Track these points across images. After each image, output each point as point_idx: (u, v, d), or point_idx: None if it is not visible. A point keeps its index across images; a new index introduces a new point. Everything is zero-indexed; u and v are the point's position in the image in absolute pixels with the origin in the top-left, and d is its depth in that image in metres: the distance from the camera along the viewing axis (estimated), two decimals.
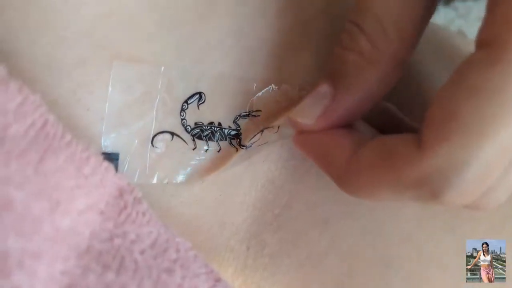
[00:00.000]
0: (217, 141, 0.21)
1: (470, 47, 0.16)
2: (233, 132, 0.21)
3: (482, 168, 0.14)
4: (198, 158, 0.20)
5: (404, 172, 0.15)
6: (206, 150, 0.21)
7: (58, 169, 0.16)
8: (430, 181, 0.15)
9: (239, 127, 0.21)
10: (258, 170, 0.22)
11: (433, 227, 0.23)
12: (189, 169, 0.20)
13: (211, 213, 0.21)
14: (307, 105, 0.19)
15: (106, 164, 0.17)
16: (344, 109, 0.18)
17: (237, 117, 0.21)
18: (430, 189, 0.15)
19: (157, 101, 0.19)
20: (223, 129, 0.21)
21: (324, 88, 0.18)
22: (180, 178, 0.20)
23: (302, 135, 0.19)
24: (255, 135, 0.21)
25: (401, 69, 0.18)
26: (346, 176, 0.18)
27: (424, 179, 0.15)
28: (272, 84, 0.21)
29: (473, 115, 0.14)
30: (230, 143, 0.21)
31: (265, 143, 0.21)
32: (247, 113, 0.21)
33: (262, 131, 0.21)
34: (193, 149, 0.20)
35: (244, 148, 0.21)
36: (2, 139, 0.15)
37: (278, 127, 0.21)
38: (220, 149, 0.21)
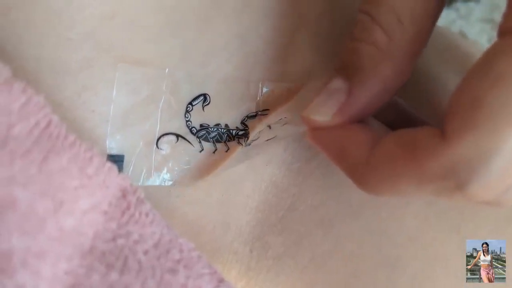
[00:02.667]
0: (224, 141, 0.21)
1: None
2: (240, 133, 0.21)
3: (510, 158, 0.14)
4: (203, 159, 0.20)
5: (428, 163, 0.15)
6: (214, 152, 0.21)
7: (62, 169, 0.16)
8: (456, 172, 0.15)
9: (246, 127, 0.21)
10: (261, 173, 0.22)
11: (438, 227, 0.23)
12: (194, 170, 0.20)
13: (214, 215, 0.21)
14: (321, 101, 0.18)
15: (109, 164, 0.17)
16: (361, 104, 0.17)
17: (244, 118, 0.21)
18: (456, 181, 0.15)
19: (161, 102, 0.19)
20: (230, 130, 0.21)
21: (338, 83, 0.18)
22: (185, 179, 0.20)
23: (318, 131, 0.19)
24: (258, 133, 0.21)
25: (415, 63, 0.17)
26: (365, 171, 0.17)
27: (450, 170, 0.15)
28: (278, 83, 0.21)
29: (501, 103, 0.14)
30: (238, 142, 0.21)
31: (274, 137, 0.21)
32: (255, 114, 0.21)
33: (262, 130, 0.21)
34: (200, 151, 0.20)
35: (249, 145, 0.21)
36: (6, 139, 0.15)
37: (281, 119, 0.21)
38: (228, 149, 0.21)
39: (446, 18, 0.47)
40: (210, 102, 0.20)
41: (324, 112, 0.18)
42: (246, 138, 0.21)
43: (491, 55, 0.15)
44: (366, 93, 0.17)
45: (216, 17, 0.19)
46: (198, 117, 0.20)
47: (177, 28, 0.19)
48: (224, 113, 0.20)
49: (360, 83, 0.17)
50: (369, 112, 0.18)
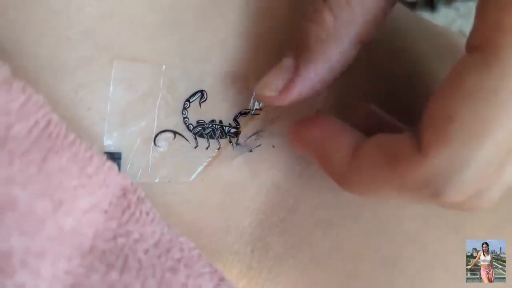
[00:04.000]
0: (217, 138, 0.21)
1: None
2: (233, 130, 0.21)
3: (480, 167, 0.15)
4: (199, 156, 0.21)
5: (407, 174, 0.16)
6: (207, 148, 0.21)
7: (62, 168, 0.16)
8: (432, 182, 0.16)
9: (238, 124, 0.21)
10: (263, 175, 0.22)
11: (437, 227, 0.23)
12: (191, 167, 0.20)
13: (215, 216, 0.21)
14: (271, 77, 0.19)
15: (109, 163, 0.17)
16: (306, 81, 0.18)
17: (237, 115, 0.21)
18: (432, 190, 0.16)
19: (158, 100, 0.19)
20: (224, 127, 0.21)
21: (288, 61, 0.19)
22: (182, 176, 0.20)
23: (298, 134, 0.20)
24: (249, 136, 0.21)
25: (358, 49, 0.18)
26: (347, 175, 0.18)
27: (427, 180, 0.16)
28: None
29: (471, 117, 0.15)
30: (230, 141, 0.21)
31: (261, 131, 0.21)
32: (247, 111, 0.21)
33: (257, 132, 0.21)
34: (195, 147, 0.20)
35: (239, 146, 0.21)
36: (5, 138, 0.15)
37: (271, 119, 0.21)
38: (220, 147, 0.21)
39: (446, 17, 0.47)
40: (207, 99, 0.20)
41: (271, 88, 0.19)
42: (236, 138, 0.21)
43: (460, 71, 0.16)
44: (310, 72, 0.18)
45: (214, 14, 0.19)
46: (195, 114, 0.20)
47: (175, 26, 0.19)
48: (219, 109, 0.21)
49: (305, 62, 0.18)
50: (314, 91, 0.19)
